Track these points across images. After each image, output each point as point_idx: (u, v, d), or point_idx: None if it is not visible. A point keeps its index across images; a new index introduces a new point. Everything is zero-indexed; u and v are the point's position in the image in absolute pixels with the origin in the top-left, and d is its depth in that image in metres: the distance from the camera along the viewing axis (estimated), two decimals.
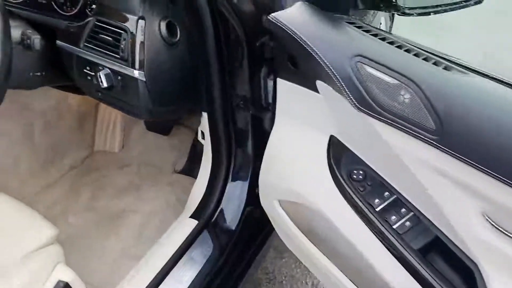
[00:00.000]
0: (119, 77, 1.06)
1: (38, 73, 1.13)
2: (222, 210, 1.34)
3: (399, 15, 0.89)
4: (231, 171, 1.34)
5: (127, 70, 1.04)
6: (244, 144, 1.30)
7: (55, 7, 1.19)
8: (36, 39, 1.01)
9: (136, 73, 1.03)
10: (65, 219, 1.54)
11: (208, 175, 1.37)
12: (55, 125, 1.71)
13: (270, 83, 1.12)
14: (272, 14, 0.88)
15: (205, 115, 1.26)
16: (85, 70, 1.11)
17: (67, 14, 1.18)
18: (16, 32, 1.00)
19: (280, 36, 0.90)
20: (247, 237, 1.38)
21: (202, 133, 1.35)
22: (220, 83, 1.16)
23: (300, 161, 1.04)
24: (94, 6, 1.14)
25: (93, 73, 1.10)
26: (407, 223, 0.84)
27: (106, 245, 1.44)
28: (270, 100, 1.15)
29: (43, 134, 1.67)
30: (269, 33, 1.08)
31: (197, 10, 1.06)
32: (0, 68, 0.91)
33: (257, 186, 1.31)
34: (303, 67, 0.92)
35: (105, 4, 1.09)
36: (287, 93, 1.02)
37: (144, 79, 1.04)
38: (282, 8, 1.01)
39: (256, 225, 1.40)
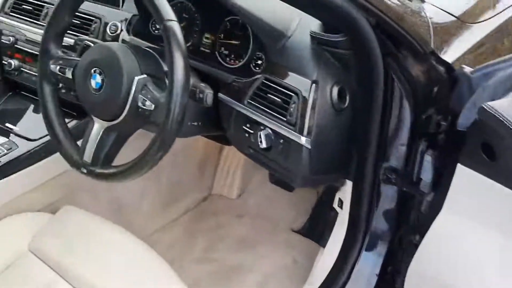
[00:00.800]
0: (281, 140, 1.01)
1: (195, 123, 1.11)
2: (351, 287, 1.24)
3: None
4: (365, 245, 1.24)
5: (292, 135, 0.98)
6: (384, 219, 1.20)
7: (219, 58, 1.18)
8: (210, 94, 0.99)
9: (303, 140, 0.97)
10: (179, 266, 1.50)
11: (340, 247, 1.27)
12: (181, 165, 1.71)
13: (427, 159, 1.02)
14: (489, 103, 0.79)
15: (348, 183, 1.18)
16: (244, 127, 1.07)
17: (230, 66, 1.16)
18: None
19: (489, 125, 0.80)
20: None
21: (340, 200, 1.27)
22: (376, 153, 1.08)
23: (474, 263, 0.91)
24: (260, 61, 1.11)
25: (252, 131, 1.06)
26: None
27: None
28: (422, 176, 1.04)
29: (169, 173, 1.68)
30: (437, 107, 1.00)
31: (370, 78, 0.99)
32: (175, 119, 0.89)
33: (391, 264, 1.21)
34: (506, 163, 0.80)
35: (275, 62, 1.05)
36: (469, 183, 0.90)
37: (309, 147, 0.97)
38: (470, 87, 0.93)
39: None
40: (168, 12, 0.89)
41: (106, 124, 1.02)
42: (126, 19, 1.28)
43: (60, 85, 1.12)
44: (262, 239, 1.63)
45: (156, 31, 1.28)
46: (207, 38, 1.21)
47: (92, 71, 0.99)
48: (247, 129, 1.07)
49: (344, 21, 0.89)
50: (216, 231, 1.67)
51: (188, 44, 1.21)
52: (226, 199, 1.82)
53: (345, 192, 1.20)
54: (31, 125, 1.40)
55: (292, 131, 0.98)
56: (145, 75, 0.98)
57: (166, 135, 0.90)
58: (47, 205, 1.39)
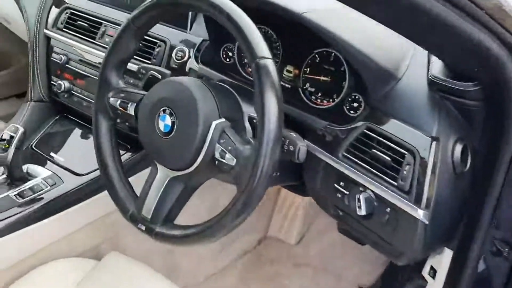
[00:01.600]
0: (388, 209, 0.80)
1: (273, 174, 0.93)
2: None
3: None
4: None
5: (406, 206, 0.77)
6: None
7: (302, 96, 1.00)
8: (303, 148, 0.80)
9: (420, 214, 0.76)
10: None
11: None
12: None
13: None
14: None
15: (446, 251, 0.97)
16: (336, 185, 0.87)
17: (317, 107, 0.97)
18: None
19: None
20: None
21: (433, 269, 1.06)
22: (490, 221, 0.87)
23: None
24: (356, 104, 0.92)
25: (347, 192, 0.86)
26: None
27: None
28: None
29: None
30: None
31: (501, 135, 0.78)
32: (263, 178, 0.72)
33: None
34: None
35: (379, 109, 0.85)
36: None
37: (426, 222, 0.77)
38: None
39: None
40: (262, 48, 0.71)
41: (172, 174, 0.84)
42: (194, 45, 1.11)
43: (119, 120, 0.96)
44: None
45: (228, 60, 1.11)
46: (289, 71, 1.03)
47: (162, 110, 0.82)
48: (340, 188, 0.87)
49: (491, 70, 0.69)
50: (271, 282, 1.48)
51: None
52: (284, 244, 1.63)
53: (441, 260, 0.99)
54: (79, 156, 1.24)
55: (406, 201, 0.77)
56: (223, 119, 0.80)
57: (251, 196, 0.72)
58: (91, 248, 1.24)
